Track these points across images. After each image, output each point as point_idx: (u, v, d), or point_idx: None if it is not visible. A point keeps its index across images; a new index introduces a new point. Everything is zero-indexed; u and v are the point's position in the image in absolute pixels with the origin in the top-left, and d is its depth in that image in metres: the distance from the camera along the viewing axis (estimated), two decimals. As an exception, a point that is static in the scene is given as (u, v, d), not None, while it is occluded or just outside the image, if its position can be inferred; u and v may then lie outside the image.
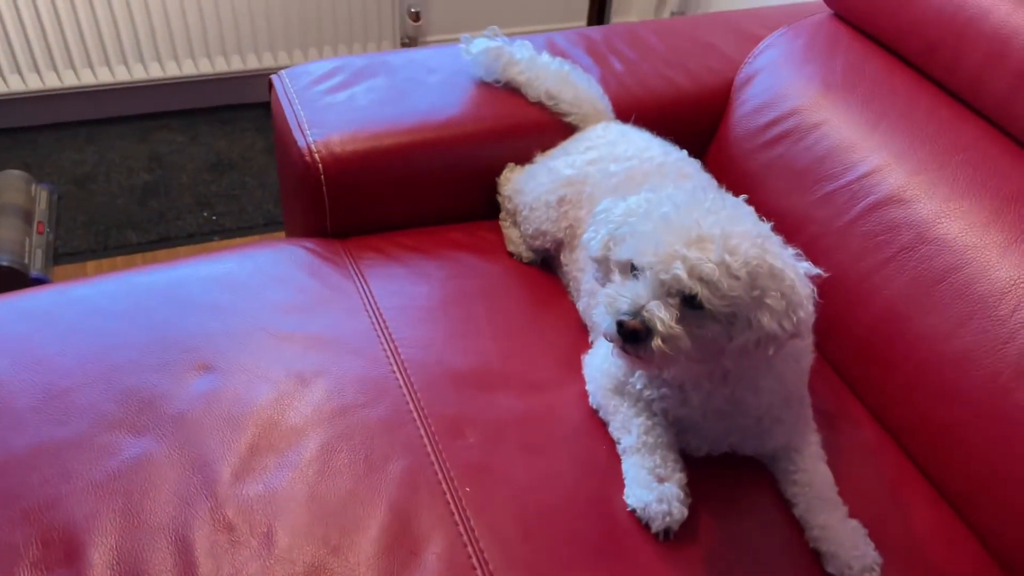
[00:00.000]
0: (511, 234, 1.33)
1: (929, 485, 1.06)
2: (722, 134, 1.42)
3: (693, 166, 1.23)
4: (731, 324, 0.85)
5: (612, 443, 1.01)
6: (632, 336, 0.84)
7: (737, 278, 0.82)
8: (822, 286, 1.22)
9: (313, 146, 1.24)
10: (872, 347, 1.13)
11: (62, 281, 1.93)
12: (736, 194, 0.93)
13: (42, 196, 2.07)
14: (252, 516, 0.88)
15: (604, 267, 0.94)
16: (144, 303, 1.10)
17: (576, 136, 1.32)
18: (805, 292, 0.86)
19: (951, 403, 1.03)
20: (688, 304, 0.84)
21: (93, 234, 2.08)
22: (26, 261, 1.87)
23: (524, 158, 1.34)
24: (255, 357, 1.04)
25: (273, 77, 1.37)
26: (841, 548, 0.93)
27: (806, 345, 1.00)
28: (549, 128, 1.35)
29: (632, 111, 1.36)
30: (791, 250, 0.89)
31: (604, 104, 1.37)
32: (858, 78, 1.28)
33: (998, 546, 0.99)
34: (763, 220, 0.90)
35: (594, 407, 1.05)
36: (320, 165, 1.23)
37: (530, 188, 1.27)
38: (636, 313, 0.84)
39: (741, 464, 1.03)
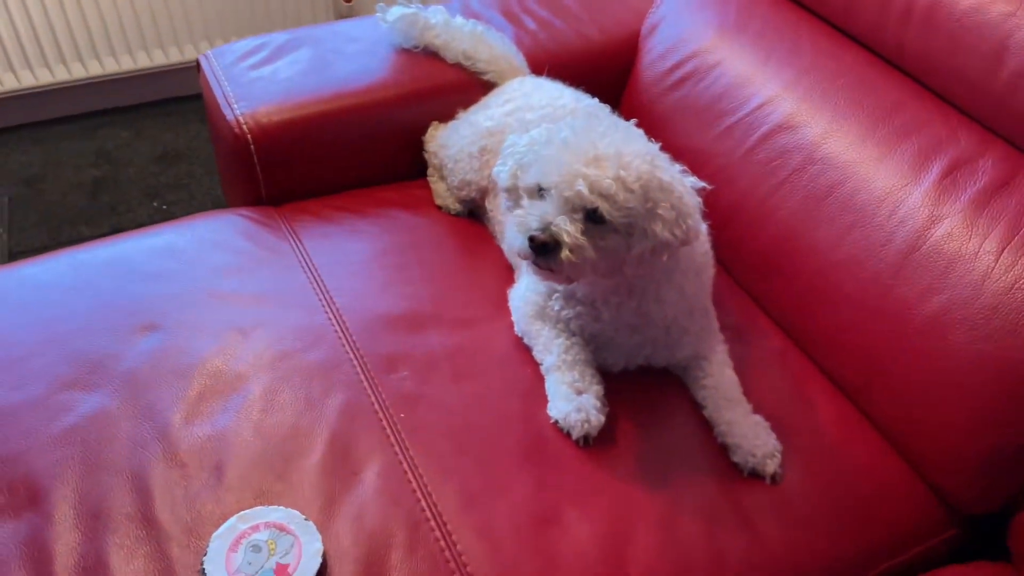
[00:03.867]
0: (438, 188, 1.40)
1: (829, 382, 1.16)
2: (633, 81, 1.50)
3: (603, 111, 1.31)
4: (629, 235, 0.93)
5: (537, 365, 1.10)
6: (542, 249, 0.92)
7: (632, 191, 0.91)
8: (728, 212, 1.31)
9: (241, 118, 1.30)
10: (772, 263, 1.22)
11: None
12: (649, 137, 1.02)
13: (-9, 199, 2.11)
14: (202, 453, 0.96)
15: (514, 196, 1.02)
16: (89, 276, 1.16)
17: (494, 91, 1.40)
18: (692, 203, 0.95)
19: (841, 306, 1.12)
20: (590, 218, 0.92)
21: (46, 231, 2.13)
22: (-20, 261, 1.91)
23: (447, 116, 1.41)
24: (197, 315, 1.11)
25: (200, 57, 1.43)
26: (744, 439, 1.03)
27: (705, 260, 1.09)
28: (469, 87, 1.42)
29: (546, 65, 1.44)
30: (678, 166, 0.98)
31: (519, 60, 1.45)
32: (749, 19, 1.36)
33: (886, 426, 1.09)
34: (653, 141, 0.99)
35: (519, 334, 1.14)
36: (249, 136, 1.30)
37: (453, 142, 1.35)
38: (545, 228, 0.92)
39: (657, 376, 1.13)
